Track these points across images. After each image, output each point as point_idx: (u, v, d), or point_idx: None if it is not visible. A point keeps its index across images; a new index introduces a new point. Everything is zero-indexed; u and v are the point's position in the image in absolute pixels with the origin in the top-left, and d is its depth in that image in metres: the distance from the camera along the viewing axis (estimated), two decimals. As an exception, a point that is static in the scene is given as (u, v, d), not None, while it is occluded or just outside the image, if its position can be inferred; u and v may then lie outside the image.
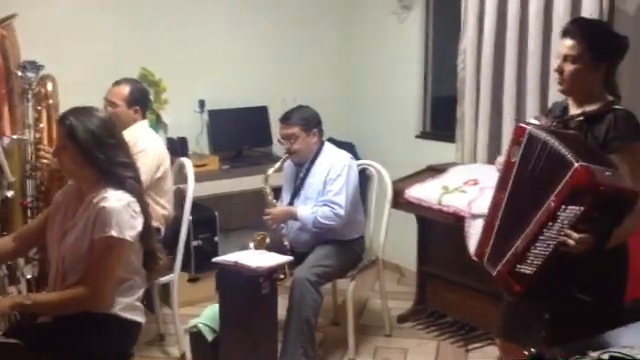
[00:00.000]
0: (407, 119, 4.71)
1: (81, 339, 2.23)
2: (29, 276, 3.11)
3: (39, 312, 2.34)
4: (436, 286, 3.97)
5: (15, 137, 3.08)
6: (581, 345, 1.60)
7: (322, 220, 3.42)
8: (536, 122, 2.29)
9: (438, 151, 4.34)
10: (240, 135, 4.72)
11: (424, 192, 3.68)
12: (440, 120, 4.63)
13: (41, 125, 3.14)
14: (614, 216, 1.93)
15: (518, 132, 2.18)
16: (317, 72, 5.03)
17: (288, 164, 3.66)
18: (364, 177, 3.97)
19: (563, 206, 1.94)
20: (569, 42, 2.23)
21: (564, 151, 1.98)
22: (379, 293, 3.93)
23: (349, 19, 5.06)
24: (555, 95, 3.52)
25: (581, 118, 2.24)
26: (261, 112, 4.79)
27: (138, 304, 2.41)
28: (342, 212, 3.42)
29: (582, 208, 1.90)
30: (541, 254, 2.01)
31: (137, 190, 2.36)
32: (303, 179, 3.57)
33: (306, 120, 3.50)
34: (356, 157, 4.42)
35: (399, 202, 3.78)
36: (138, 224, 2.30)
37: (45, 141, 3.13)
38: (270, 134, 4.75)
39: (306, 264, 3.36)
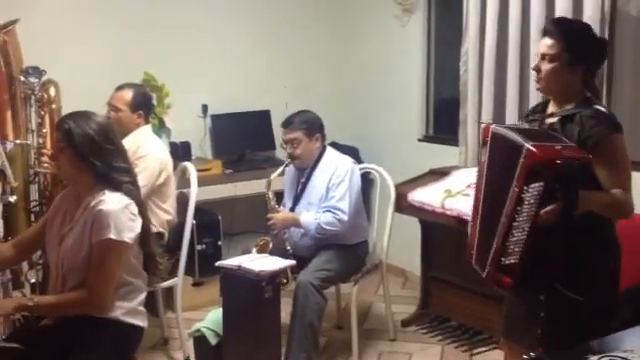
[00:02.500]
0: (410, 122, 4.71)
1: (83, 343, 2.23)
2: (33, 280, 3.10)
3: (41, 313, 2.36)
4: (440, 290, 3.96)
5: (18, 142, 3.09)
6: (581, 349, 1.59)
7: (325, 226, 3.40)
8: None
9: (441, 154, 4.34)
10: (243, 139, 4.73)
11: (427, 196, 3.67)
12: (443, 123, 4.62)
13: (44, 130, 3.14)
14: (574, 183, 2.01)
15: (484, 133, 2.27)
16: (320, 76, 5.03)
17: (289, 168, 3.66)
18: (367, 181, 3.96)
19: (525, 187, 2.02)
20: (548, 41, 2.25)
21: (516, 137, 2.08)
22: (383, 297, 3.92)
23: (351, 23, 5.06)
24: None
25: (554, 120, 2.27)
26: (264, 116, 4.79)
27: (140, 308, 2.41)
28: (345, 218, 3.41)
29: (542, 184, 1.99)
30: (520, 241, 2.06)
31: (134, 194, 2.35)
32: (305, 184, 3.56)
33: (308, 124, 3.50)
34: (359, 161, 4.42)
35: (402, 206, 3.77)
36: (136, 226, 2.30)
37: (48, 146, 3.13)
38: (273, 138, 4.75)
39: (310, 268, 3.35)
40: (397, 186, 3.81)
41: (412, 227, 3.99)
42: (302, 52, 4.98)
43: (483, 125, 2.31)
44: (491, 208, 2.19)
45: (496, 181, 2.19)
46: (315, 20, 5.02)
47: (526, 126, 2.32)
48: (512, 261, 2.09)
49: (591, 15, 3.31)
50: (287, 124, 3.53)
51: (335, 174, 3.46)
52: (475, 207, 2.31)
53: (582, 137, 2.17)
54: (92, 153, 2.29)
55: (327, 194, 3.46)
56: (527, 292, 2.24)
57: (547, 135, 2.16)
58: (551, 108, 2.34)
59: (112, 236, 2.22)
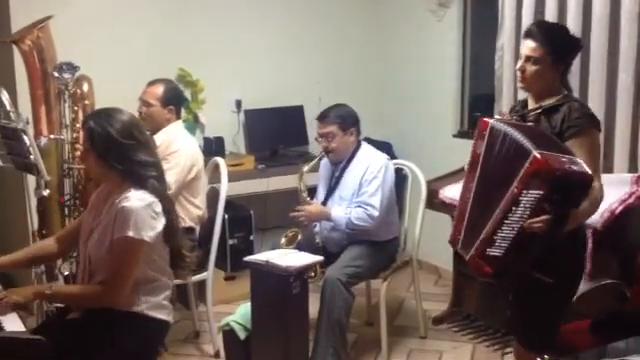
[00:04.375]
0: (444, 118, 4.66)
1: (107, 337, 2.26)
2: (67, 273, 3.17)
3: (58, 302, 2.43)
4: (473, 288, 3.90)
5: (52, 137, 3.15)
6: (598, 352, 1.56)
7: (356, 222, 3.39)
8: (497, 117, 2.47)
9: (476, 150, 4.26)
10: (276, 135, 4.73)
11: (458, 192, 3.60)
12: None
13: (77, 125, 3.19)
14: (571, 198, 2.13)
15: (481, 126, 2.38)
16: (353, 71, 5.01)
17: (324, 162, 3.66)
18: (400, 177, 3.93)
19: (524, 191, 2.14)
20: (531, 44, 2.38)
21: (523, 140, 2.19)
22: (414, 294, 3.89)
23: (386, 18, 5.02)
24: (593, 90, 3.45)
25: (539, 111, 2.42)
26: (297, 112, 4.79)
27: (165, 303, 2.42)
28: (376, 214, 3.39)
29: (541, 192, 2.10)
30: (508, 237, 2.20)
31: (159, 189, 2.34)
32: (338, 178, 3.55)
33: (343, 119, 3.48)
34: (393, 157, 4.38)
35: (433, 202, 3.73)
36: (158, 224, 2.29)
37: (81, 141, 3.17)
38: (306, 133, 4.75)
39: (338, 264, 3.34)
40: (429, 182, 3.76)
41: (447, 224, 3.93)
42: (336, 47, 4.96)
43: (481, 119, 2.40)
44: (484, 199, 2.32)
45: (493, 175, 2.30)
46: (349, 15, 4.99)
47: (515, 120, 2.45)
48: (496, 253, 2.24)
49: (629, 9, 3.22)
50: (322, 118, 3.53)
51: (369, 170, 3.45)
52: (464, 195, 2.45)
53: (565, 125, 2.33)
54: (111, 153, 2.28)
55: (359, 189, 3.44)
56: (500, 282, 2.44)
57: (551, 141, 2.26)
58: (530, 104, 2.49)
59: (131, 234, 2.22)
